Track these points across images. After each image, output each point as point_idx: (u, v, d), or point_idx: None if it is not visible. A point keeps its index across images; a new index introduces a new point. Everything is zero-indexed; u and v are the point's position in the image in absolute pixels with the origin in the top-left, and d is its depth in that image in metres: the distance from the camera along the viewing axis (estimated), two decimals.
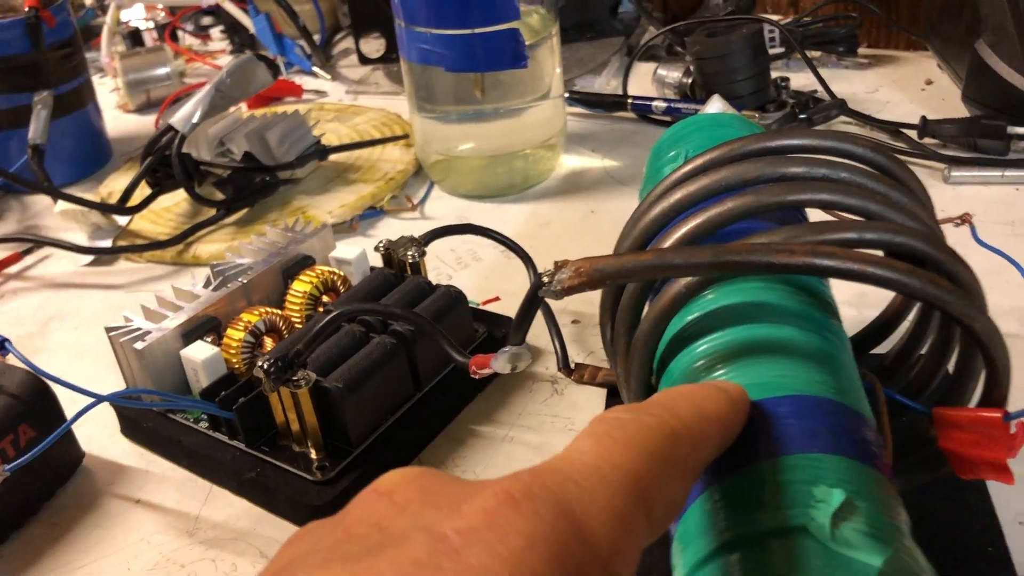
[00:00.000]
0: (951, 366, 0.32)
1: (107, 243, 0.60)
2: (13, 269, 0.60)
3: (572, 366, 0.42)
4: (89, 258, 0.59)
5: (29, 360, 0.37)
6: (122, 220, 0.62)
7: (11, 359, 0.41)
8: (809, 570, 0.22)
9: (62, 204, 0.60)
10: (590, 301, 0.51)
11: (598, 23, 0.82)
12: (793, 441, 0.26)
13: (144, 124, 0.80)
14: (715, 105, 0.42)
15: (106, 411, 0.45)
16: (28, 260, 0.61)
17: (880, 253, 0.28)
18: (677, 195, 0.32)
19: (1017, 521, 0.35)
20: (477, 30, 0.56)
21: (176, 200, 0.64)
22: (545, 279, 0.28)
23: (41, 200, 0.68)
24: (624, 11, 0.84)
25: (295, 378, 0.37)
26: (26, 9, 0.64)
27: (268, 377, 0.37)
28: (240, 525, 0.40)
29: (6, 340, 0.37)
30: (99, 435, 0.45)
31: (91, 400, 0.37)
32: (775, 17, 0.82)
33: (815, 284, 0.32)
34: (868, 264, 0.27)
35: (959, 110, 0.65)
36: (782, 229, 0.29)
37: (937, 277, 0.27)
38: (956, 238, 0.52)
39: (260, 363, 0.38)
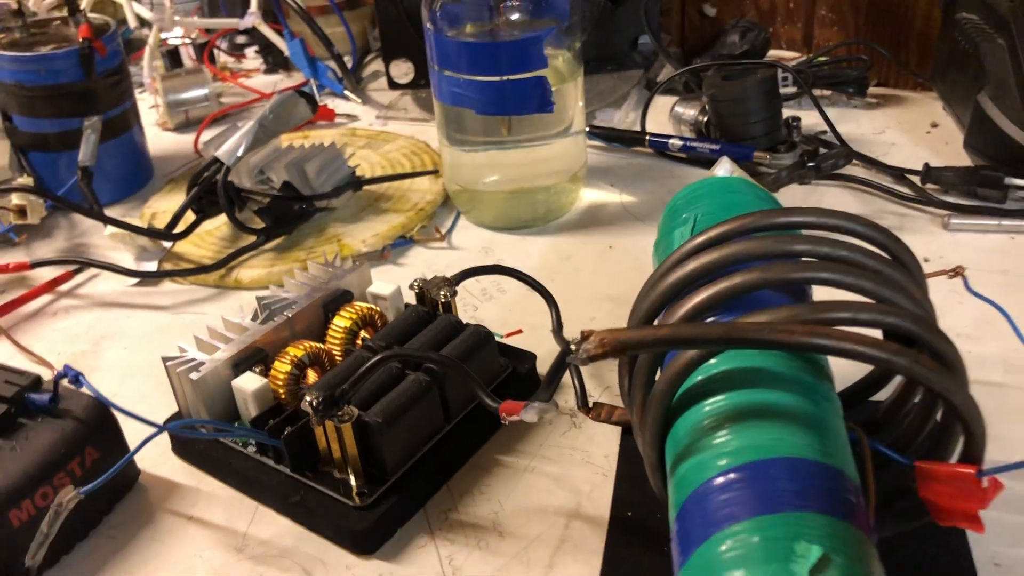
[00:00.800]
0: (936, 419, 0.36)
1: (153, 265, 0.64)
2: (65, 287, 0.64)
3: (590, 404, 0.46)
4: (133, 282, 0.63)
5: (98, 391, 0.41)
6: (167, 243, 0.66)
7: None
8: None
9: (111, 228, 0.64)
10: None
11: (619, 56, 0.86)
12: (781, 500, 0.29)
13: (183, 142, 0.84)
14: (724, 168, 0.46)
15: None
16: (79, 279, 0.65)
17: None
18: (689, 266, 0.36)
19: (993, 563, 0.39)
20: (507, 77, 0.59)
21: (217, 224, 0.68)
22: (573, 347, 0.32)
23: (84, 223, 0.72)
24: (643, 44, 0.87)
25: (340, 413, 0.41)
26: (80, 40, 0.68)
27: (316, 413, 0.41)
28: (284, 543, 0.43)
29: (80, 374, 0.41)
30: (153, 454, 0.49)
31: (153, 430, 0.41)
32: (789, 54, 0.86)
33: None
34: (860, 344, 0.30)
35: (961, 156, 0.68)
36: (783, 308, 0.33)
37: (922, 357, 0.31)
38: (951, 288, 0.55)
39: (309, 399, 0.41)
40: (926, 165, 0.65)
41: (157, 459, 0.49)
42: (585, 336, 0.32)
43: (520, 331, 0.55)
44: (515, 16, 0.61)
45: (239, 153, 0.62)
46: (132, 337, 0.59)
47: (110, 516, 0.46)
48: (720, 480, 0.31)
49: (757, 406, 0.33)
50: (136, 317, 0.61)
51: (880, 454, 0.36)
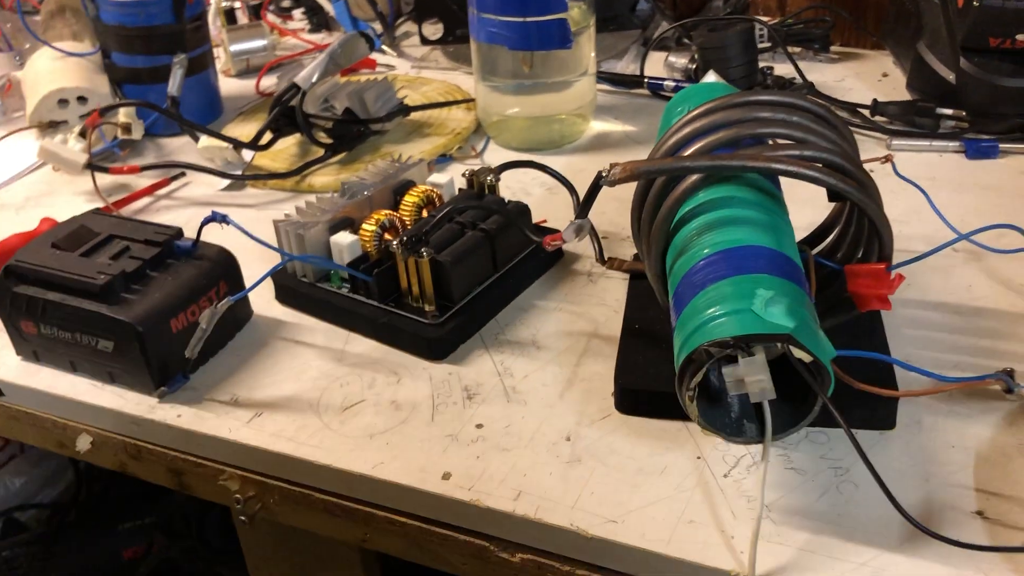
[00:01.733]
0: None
1: (239, 171, 0.77)
2: (162, 191, 0.77)
3: (606, 259, 0.60)
4: (225, 183, 0.76)
5: (246, 229, 0.54)
6: (247, 157, 0.79)
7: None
8: (750, 326, 0.40)
9: (204, 140, 0.77)
10: (614, 223, 0.68)
11: (619, 17, 1.00)
12: (747, 267, 0.43)
13: (245, 86, 0.97)
14: (710, 77, 0.59)
15: (267, 284, 0.63)
16: (173, 185, 0.78)
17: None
18: (687, 129, 0.49)
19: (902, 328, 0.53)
20: (534, 18, 0.73)
21: (288, 145, 0.81)
22: (603, 173, 0.46)
23: (174, 142, 0.85)
24: (641, 8, 1.01)
25: (422, 250, 0.55)
26: None
27: (404, 247, 0.55)
28: (374, 355, 0.57)
29: (226, 216, 0.54)
30: (260, 303, 0.62)
31: (281, 260, 0.54)
32: (764, 18, 1.00)
33: (772, 188, 0.50)
34: (804, 168, 0.44)
35: (905, 96, 0.82)
36: (753, 148, 0.46)
37: (847, 179, 0.45)
38: (884, 174, 0.69)
39: (397, 240, 0.55)
40: (875, 100, 0.79)
41: (265, 306, 0.62)
42: (612, 166, 0.46)
43: (544, 220, 0.69)
44: None
45: (314, 79, 0.75)
46: (230, 231, 0.72)
47: (232, 342, 0.59)
48: (703, 262, 0.45)
49: (731, 217, 0.47)
50: (228, 212, 0.74)
51: (819, 263, 0.50)
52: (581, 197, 0.51)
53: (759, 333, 0.40)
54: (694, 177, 0.47)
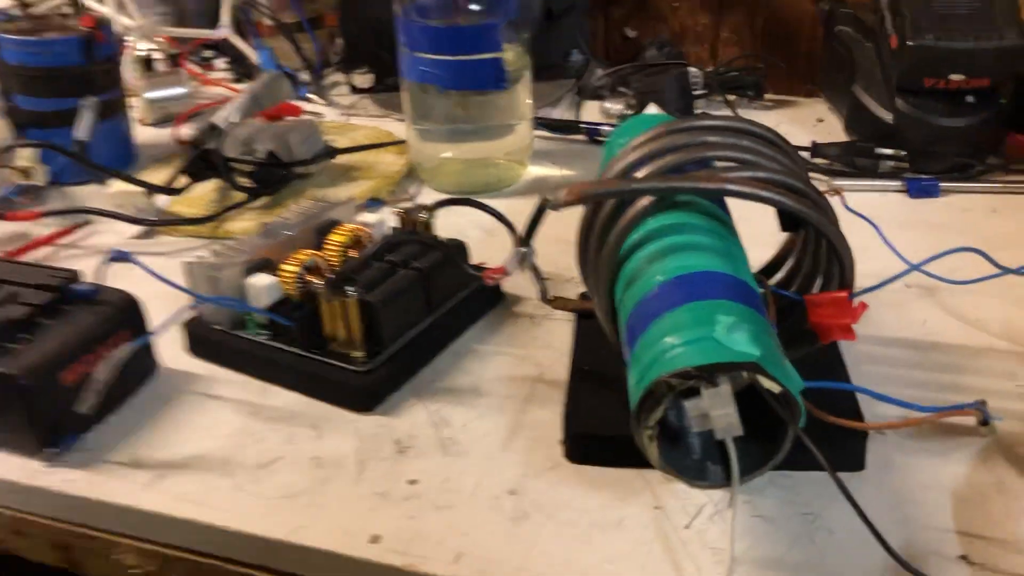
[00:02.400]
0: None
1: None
2: (65, 240, 0.71)
3: (551, 298, 0.56)
4: (136, 230, 0.70)
5: (148, 266, 0.49)
6: (161, 203, 0.73)
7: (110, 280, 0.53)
8: (713, 355, 0.36)
9: (114, 186, 0.71)
10: (557, 264, 0.65)
11: (553, 67, 0.98)
12: (704, 292, 0.40)
13: (162, 135, 0.92)
14: (651, 109, 0.57)
15: (175, 336, 0.57)
16: (79, 233, 0.72)
17: None
18: (634, 155, 0.46)
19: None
20: (467, 57, 0.70)
21: (205, 191, 0.76)
22: (549, 197, 0.42)
23: (81, 191, 0.79)
24: (573, 59, 1.00)
25: (348, 290, 0.50)
26: (81, 27, 0.76)
27: (328, 288, 0.50)
28: (295, 408, 0.51)
29: (129, 253, 0.49)
30: (169, 354, 0.56)
31: (192, 300, 0.49)
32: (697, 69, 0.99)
33: (724, 216, 0.47)
34: (760, 188, 0.41)
35: (843, 139, 0.81)
36: (705, 171, 0.43)
37: (804, 200, 0.42)
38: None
39: (320, 283, 0.50)
40: (814, 142, 0.78)
41: (174, 358, 0.56)
42: (557, 189, 0.42)
43: (484, 263, 0.64)
44: (472, 7, 0.72)
45: (234, 119, 0.70)
46: (137, 276, 0.66)
47: (134, 397, 0.53)
48: (656, 290, 0.41)
49: (683, 244, 0.43)
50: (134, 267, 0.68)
51: (777, 294, 0.47)
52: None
53: (724, 362, 0.36)
54: (644, 201, 0.43)
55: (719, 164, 0.46)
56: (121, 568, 0.46)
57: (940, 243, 0.58)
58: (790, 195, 0.41)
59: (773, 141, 0.47)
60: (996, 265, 0.55)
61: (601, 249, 0.46)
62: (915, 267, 0.55)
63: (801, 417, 0.37)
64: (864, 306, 0.44)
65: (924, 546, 0.40)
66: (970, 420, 0.46)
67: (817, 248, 0.47)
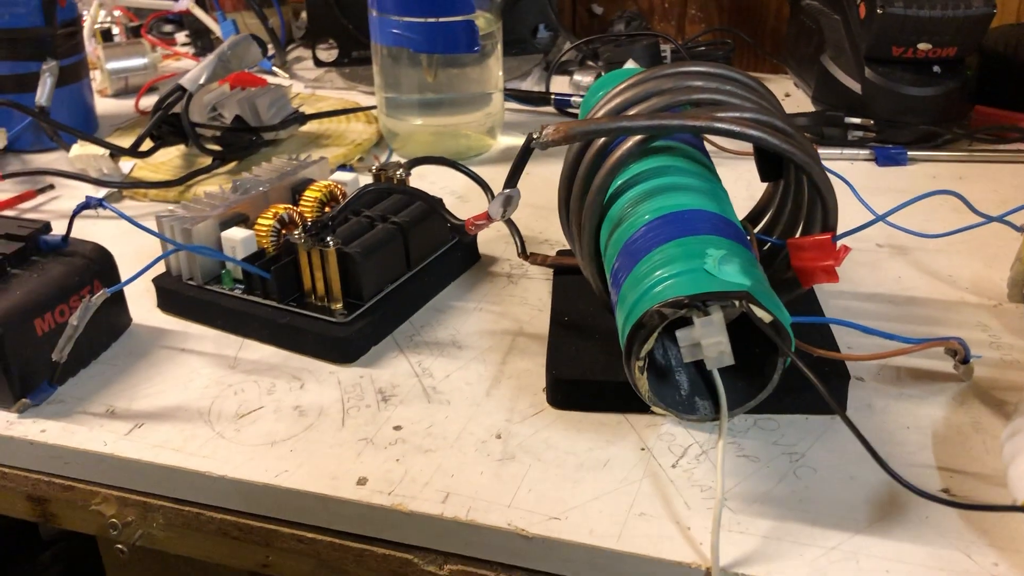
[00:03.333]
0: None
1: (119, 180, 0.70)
2: (27, 205, 0.69)
3: (528, 254, 0.55)
4: (101, 193, 0.69)
5: (123, 212, 0.47)
6: (125, 168, 0.72)
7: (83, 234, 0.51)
8: (705, 284, 0.36)
9: (77, 148, 0.70)
10: (532, 228, 0.65)
11: (521, 42, 0.98)
12: (694, 228, 0.40)
13: (123, 105, 0.90)
14: (630, 64, 0.57)
15: (146, 290, 0.56)
16: (40, 198, 0.70)
17: None
18: (620, 98, 0.46)
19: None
20: (439, 19, 0.70)
21: (171, 156, 0.74)
22: (535, 135, 0.42)
23: (41, 158, 0.77)
24: (541, 35, 1.00)
25: (327, 239, 0.49)
26: None
27: (307, 236, 0.49)
28: (273, 361, 0.51)
29: (103, 200, 0.48)
30: (140, 311, 0.55)
31: (171, 247, 0.48)
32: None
33: (705, 160, 0.47)
34: (749, 127, 0.41)
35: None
36: (692, 110, 0.43)
37: (790, 140, 0.42)
38: None
39: (299, 231, 0.49)
40: None
41: (145, 314, 0.55)
42: (544, 127, 0.42)
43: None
44: None
45: (201, 81, 0.69)
46: (100, 238, 0.64)
47: (107, 352, 0.52)
48: (644, 228, 0.41)
49: (669, 185, 0.43)
50: (102, 224, 0.67)
51: (760, 239, 0.47)
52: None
53: (716, 291, 0.36)
54: (630, 142, 0.43)
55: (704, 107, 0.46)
56: (100, 518, 0.45)
57: (908, 210, 0.58)
58: (776, 134, 0.42)
59: (755, 88, 0.47)
60: (975, 212, 0.56)
61: (585, 194, 0.46)
62: (883, 217, 0.55)
63: (791, 345, 0.37)
64: (847, 249, 0.44)
65: (908, 481, 0.41)
66: (947, 366, 0.47)
67: (798, 195, 0.48)
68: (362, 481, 0.41)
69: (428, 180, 0.72)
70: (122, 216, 0.48)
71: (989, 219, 0.55)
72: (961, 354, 0.43)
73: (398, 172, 0.58)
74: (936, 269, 0.58)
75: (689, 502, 0.40)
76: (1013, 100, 0.78)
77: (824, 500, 0.40)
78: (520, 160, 0.44)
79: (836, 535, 0.38)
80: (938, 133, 0.74)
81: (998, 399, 0.46)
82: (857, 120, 0.75)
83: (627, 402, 0.44)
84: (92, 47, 0.91)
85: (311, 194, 0.57)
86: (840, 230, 0.46)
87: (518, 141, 0.80)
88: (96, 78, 0.92)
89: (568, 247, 0.55)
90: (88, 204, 0.47)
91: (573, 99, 0.83)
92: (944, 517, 0.38)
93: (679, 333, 0.37)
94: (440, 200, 0.56)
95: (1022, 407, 0.40)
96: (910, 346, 0.41)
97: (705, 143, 0.53)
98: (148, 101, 0.90)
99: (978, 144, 0.75)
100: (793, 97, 0.89)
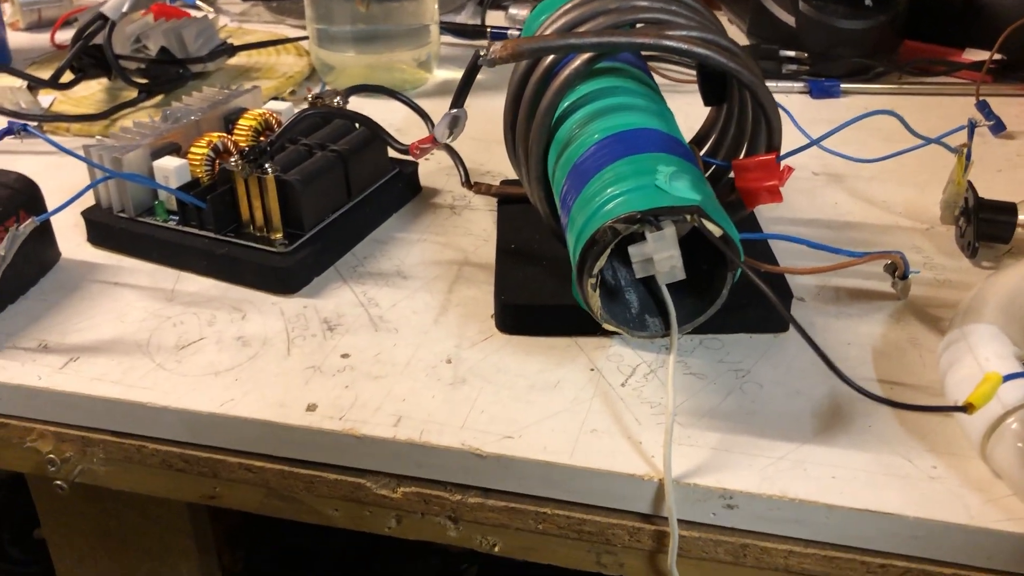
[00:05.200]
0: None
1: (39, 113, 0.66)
2: None
3: (472, 183, 0.55)
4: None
5: (50, 139, 0.45)
6: (44, 102, 0.68)
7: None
8: (657, 199, 0.36)
9: None
10: (473, 160, 0.64)
11: None
12: (643, 146, 0.40)
13: (36, 40, 0.85)
14: None
15: (74, 224, 0.53)
16: None
17: None
18: (565, 18, 0.45)
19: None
20: None
21: (93, 90, 0.71)
22: (482, 52, 0.41)
23: None
24: None
25: (265, 166, 0.48)
26: None
27: (245, 163, 0.48)
28: (212, 294, 0.49)
29: (27, 124, 0.45)
30: (68, 246, 0.53)
31: (101, 176, 0.46)
32: None
33: (651, 81, 0.47)
34: (695, 45, 0.41)
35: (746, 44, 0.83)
36: (640, 29, 0.43)
37: (736, 58, 0.42)
38: None
39: (235, 157, 0.48)
40: None
41: (74, 249, 0.53)
42: (491, 43, 0.41)
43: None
44: None
45: (124, 9, 0.66)
46: (26, 168, 0.62)
47: (36, 287, 0.50)
48: (594, 147, 0.41)
49: (617, 105, 0.43)
50: (24, 160, 0.63)
51: (706, 161, 0.47)
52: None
53: (668, 206, 0.36)
54: (578, 61, 0.43)
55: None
56: (38, 455, 0.43)
57: (841, 140, 0.59)
58: (722, 52, 0.42)
59: (699, 9, 0.47)
60: (913, 133, 0.57)
61: (532, 116, 0.45)
62: (819, 140, 0.56)
63: (741, 258, 0.37)
64: (790, 169, 0.45)
65: (851, 394, 0.41)
66: (883, 285, 0.48)
67: (742, 117, 0.48)
68: (311, 407, 0.41)
69: (365, 111, 0.70)
70: (49, 142, 0.46)
71: (928, 141, 0.56)
72: (901, 269, 0.44)
73: (335, 100, 0.57)
74: (871, 195, 0.59)
75: (639, 418, 0.40)
76: (939, 35, 0.79)
77: (771, 413, 0.40)
78: (466, 79, 0.43)
79: (784, 445, 0.39)
80: (870, 66, 0.75)
81: (933, 316, 0.47)
82: (791, 53, 0.76)
83: (576, 325, 0.44)
84: None
85: (245, 122, 0.55)
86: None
87: (455, 74, 0.79)
88: (7, 11, 0.87)
89: (512, 177, 0.54)
90: (11, 130, 0.45)
91: (509, 32, 0.82)
92: (886, 426, 0.40)
93: (632, 249, 0.37)
94: (380, 126, 0.55)
95: (958, 320, 0.42)
96: (852, 259, 0.42)
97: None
98: (64, 35, 0.85)
99: (908, 77, 0.76)
100: (728, 31, 0.89)
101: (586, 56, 0.42)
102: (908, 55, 0.79)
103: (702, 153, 0.50)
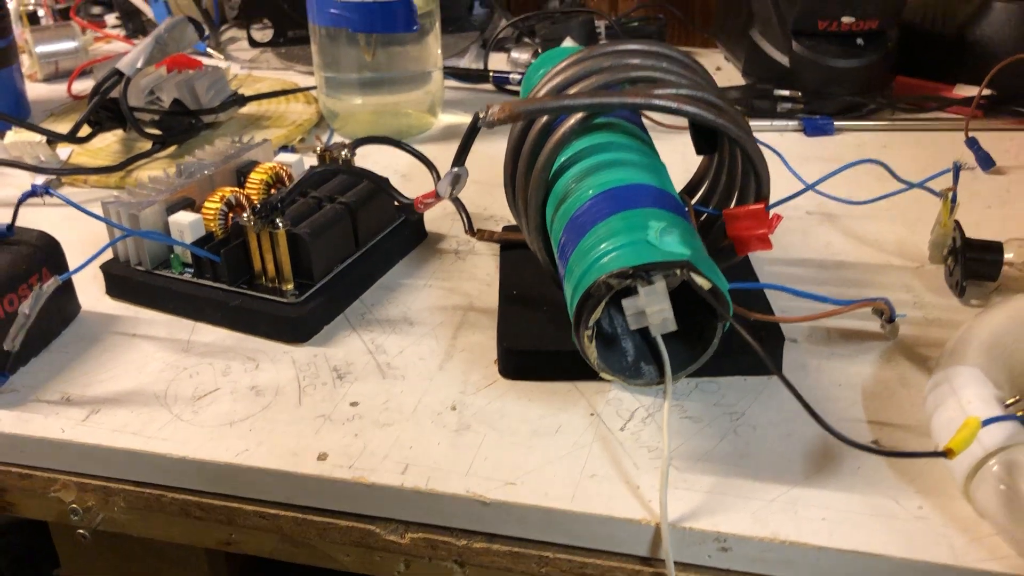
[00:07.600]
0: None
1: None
2: None
3: (476, 230, 0.57)
4: (38, 180, 0.68)
5: (70, 199, 0.47)
6: (62, 155, 0.71)
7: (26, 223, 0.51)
8: (648, 255, 0.38)
9: (12, 135, 0.69)
10: (477, 204, 0.66)
11: (457, 19, 0.98)
12: (636, 202, 0.42)
13: (55, 90, 0.88)
14: (568, 42, 0.58)
15: (93, 276, 0.56)
16: None
17: None
18: (560, 77, 0.48)
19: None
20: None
21: (108, 141, 0.74)
22: (481, 114, 0.43)
23: None
24: (477, 13, 1.01)
25: (276, 220, 0.50)
26: None
27: (257, 217, 0.50)
28: (226, 344, 0.51)
29: (49, 186, 0.47)
30: (88, 299, 0.55)
31: (119, 234, 0.48)
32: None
33: (644, 136, 0.49)
34: (684, 103, 0.43)
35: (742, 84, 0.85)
36: (632, 88, 0.45)
37: (724, 115, 0.44)
38: None
39: (248, 212, 0.50)
40: None
41: (93, 302, 0.55)
42: (490, 106, 0.43)
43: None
44: None
45: (139, 65, 0.69)
46: (43, 226, 0.64)
47: (58, 339, 0.52)
48: (588, 203, 0.43)
49: (611, 160, 0.45)
50: (45, 213, 0.66)
51: (697, 211, 0.49)
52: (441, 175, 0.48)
53: (658, 261, 0.38)
54: (573, 120, 0.45)
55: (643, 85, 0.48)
56: (60, 504, 0.45)
57: (836, 177, 0.61)
58: (710, 109, 0.44)
59: (690, 65, 0.49)
60: (898, 179, 0.59)
61: (531, 171, 0.47)
62: (812, 186, 0.58)
63: (730, 309, 0.39)
64: (779, 217, 0.47)
65: (840, 433, 0.43)
66: (874, 326, 0.50)
67: (732, 167, 0.50)
68: (322, 456, 0.43)
69: (372, 160, 0.72)
70: (70, 203, 0.48)
71: (911, 185, 0.58)
72: (887, 313, 0.46)
73: (343, 152, 0.59)
74: (863, 234, 0.61)
75: (637, 462, 0.42)
76: (930, 70, 0.81)
77: (764, 455, 0.42)
78: (467, 139, 0.45)
79: (776, 488, 0.40)
80: (862, 103, 0.77)
81: (922, 355, 0.48)
82: (786, 92, 0.78)
83: (576, 370, 0.46)
84: (19, 31, 0.89)
85: (257, 176, 0.57)
86: (772, 199, 0.49)
87: (459, 119, 0.82)
88: (25, 63, 0.90)
89: (514, 222, 0.56)
90: (34, 192, 0.47)
91: (511, 76, 0.85)
92: (874, 468, 0.41)
93: (625, 302, 0.38)
94: (387, 180, 0.57)
95: (943, 361, 0.43)
96: (840, 307, 0.43)
97: (643, 119, 0.55)
98: (80, 85, 0.89)
99: (900, 113, 0.78)
100: (724, 71, 0.92)
101: (580, 115, 0.44)
102: (901, 90, 0.81)
103: (695, 201, 0.52)
